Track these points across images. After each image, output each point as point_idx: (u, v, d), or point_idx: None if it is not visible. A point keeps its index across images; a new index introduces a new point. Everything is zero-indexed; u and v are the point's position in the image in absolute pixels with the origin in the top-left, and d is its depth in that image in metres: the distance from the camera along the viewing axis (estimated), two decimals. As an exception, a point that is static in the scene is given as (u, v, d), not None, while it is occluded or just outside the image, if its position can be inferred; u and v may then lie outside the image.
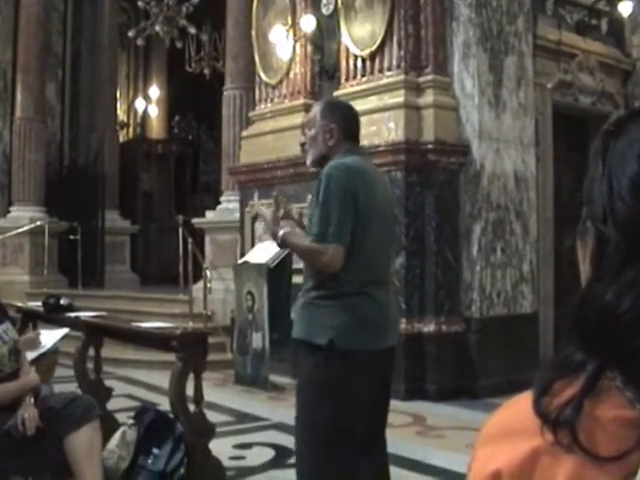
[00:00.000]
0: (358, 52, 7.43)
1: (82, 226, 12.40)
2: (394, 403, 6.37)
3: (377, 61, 7.33)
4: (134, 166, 15.04)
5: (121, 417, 4.59)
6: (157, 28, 11.24)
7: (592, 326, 0.71)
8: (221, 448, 4.51)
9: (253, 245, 8.26)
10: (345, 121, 3.23)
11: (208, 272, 9.24)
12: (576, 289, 0.76)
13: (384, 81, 7.24)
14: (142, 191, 15.39)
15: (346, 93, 7.52)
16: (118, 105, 15.52)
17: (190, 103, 15.61)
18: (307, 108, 7.93)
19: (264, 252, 7.29)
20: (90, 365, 4.73)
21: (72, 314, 4.91)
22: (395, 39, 7.19)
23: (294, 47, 8.17)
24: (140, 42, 12.06)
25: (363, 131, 7.29)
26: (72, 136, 13.79)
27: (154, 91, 16.36)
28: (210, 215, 10.28)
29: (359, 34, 7.42)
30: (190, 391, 3.95)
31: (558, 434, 0.69)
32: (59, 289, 10.56)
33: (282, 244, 3.22)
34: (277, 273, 7.13)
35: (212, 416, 4.43)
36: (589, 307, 0.71)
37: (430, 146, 6.94)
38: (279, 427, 5.66)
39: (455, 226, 7.07)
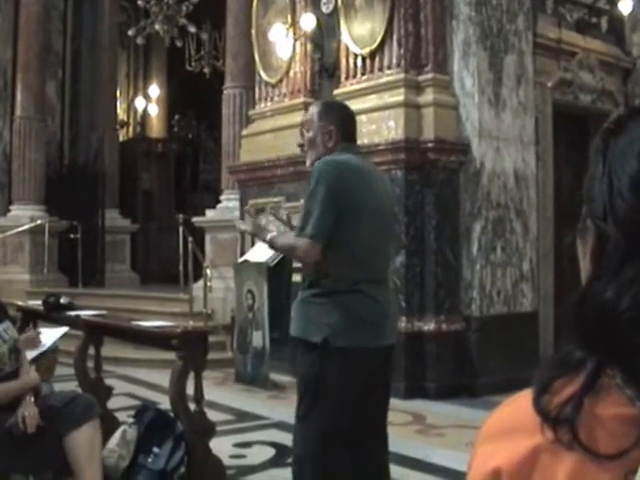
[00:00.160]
0: (358, 51, 7.42)
1: (82, 225, 12.40)
2: (394, 402, 6.35)
3: (377, 60, 7.33)
4: (134, 165, 15.03)
5: (121, 416, 4.60)
6: (157, 27, 11.23)
7: (592, 324, 0.71)
8: (221, 447, 4.51)
9: (253, 244, 8.26)
10: (343, 122, 3.25)
11: (208, 271, 9.25)
12: (576, 287, 0.76)
13: (384, 80, 7.23)
14: (142, 190, 15.37)
15: (346, 92, 7.52)
16: (118, 104, 15.51)
17: (190, 102, 15.60)
18: (307, 107, 7.90)
19: (264, 251, 7.29)
20: (90, 364, 4.73)
21: (72, 313, 4.91)
22: (395, 37, 7.19)
23: (294, 46, 8.17)
24: (140, 41, 12.04)
25: (363, 130, 7.35)
26: (72, 135, 13.78)
27: (154, 90, 16.35)
28: (210, 214, 10.28)
29: (359, 33, 7.42)
30: (190, 390, 3.95)
31: (558, 432, 0.69)
32: (59, 288, 10.57)
33: (271, 247, 3.33)
34: (277, 272, 7.13)
35: (212, 415, 4.43)
36: (589, 305, 0.71)
37: (430, 144, 6.94)
38: (279, 426, 5.66)
39: (455, 225, 7.07)
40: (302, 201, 3.17)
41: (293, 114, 8.06)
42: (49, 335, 4.29)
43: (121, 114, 15.96)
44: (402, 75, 7.10)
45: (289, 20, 8.18)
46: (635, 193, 0.71)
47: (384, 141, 6.97)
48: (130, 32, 12.10)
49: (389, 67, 7.24)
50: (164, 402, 4.52)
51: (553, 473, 0.69)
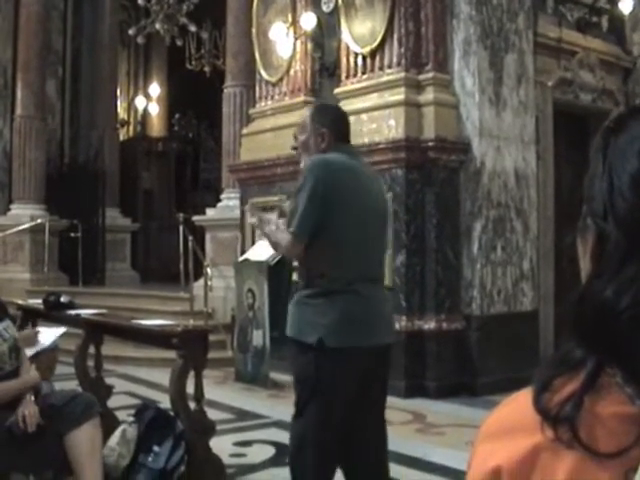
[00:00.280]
0: (358, 49, 7.42)
1: (83, 224, 12.41)
2: (394, 400, 6.34)
3: (377, 58, 7.33)
4: (134, 164, 15.03)
5: (121, 415, 4.60)
6: (157, 26, 11.22)
7: (591, 323, 0.71)
8: (221, 446, 4.52)
9: (253, 243, 8.26)
10: (335, 124, 3.28)
11: (209, 270, 9.25)
12: (576, 286, 0.76)
13: (384, 78, 7.23)
14: (142, 189, 15.38)
15: (346, 90, 7.52)
16: (118, 103, 15.51)
17: (190, 101, 15.60)
18: (307, 106, 7.93)
19: (265, 249, 7.29)
20: (91, 363, 4.73)
21: (72, 312, 4.91)
22: (395, 36, 7.18)
23: (294, 45, 8.17)
24: (140, 40, 12.03)
25: (364, 128, 7.35)
26: (72, 134, 13.79)
27: (154, 89, 16.35)
28: (210, 213, 10.28)
29: (359, 31, 7.42)
30: (190, 389, 3.95)
31: (558, 430, 0.69)
32: (60, 287, 10.58)
33: (269, 241, 3.37)
34: (278, 270, 7.13)
35: (212, 414, 4.43)
36: (589, 304, 0.71)
37: (430, 144, 6.94)
38: (279, 425, 5.66)
39: (455, 224, 7.07)
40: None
41: (293, 113, 8.05)
42: (47, 334, 4.29)
43: (121, 113, 15.96)
44: (402, 74, 7.10)
45: (289, 19, 8.18)
46: (635, 192, 0.71)
47: (384, 140, 6.97)
48: (130, 31, 12.10)
49: (389, 66, 7.24)
50: (164, 401, 4.52)
51: (553, 472, 0.69)
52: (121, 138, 15.21)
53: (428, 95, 7.08)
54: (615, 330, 0.69)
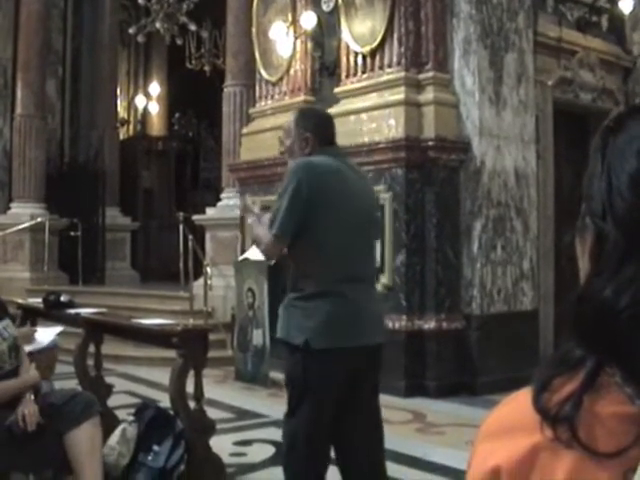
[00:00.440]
0: (358, 49, 7.42)
1: (82, 223, 12.40)
2: (394, 400, 6.36)
3: (377, 58, 7.33)
4: (134, 163, 15.03)
5: (121, 414, 4.60)
6: (157, 25, 11.23)
7: (591, 322, 0.71)
8: (221, 445, 4.52)
9: (254, 242, 8.25)
10: (318, 128, 3.33)
11: (208, 269, 9.25)
12: (576, 286, 0.76)
13: (384, 78, 7.23)
14: (142, 188, 15.37)
15: (346, 90, 7.53)
16: (118, 102, 15.50)
17: (190, 100, 15.60)
18: (307, 105, 7.93)
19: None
20: (90, 362, 4.73)
21: (72, 311, 4.91)
22: (395, 36, 7.19)
23: (294, 44, 8.17)
24: (140, 39, 12.03)
25: (364, 128, 7.35)
26: (72, 133, 13.78)
27: (154, 88, 16.35)
28: (210, 212, 10.28)
29: (359, 31, 7.42)
30: (190, 388, 3.96)
31: (557, 430, 0.69)
32: (59, 286, 10.58)
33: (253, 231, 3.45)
34: (277, 270, 7.13)
35: (212, 413, 4.43)
36: (588, 303, 0.71)
37: (430, 143, 6.94)
38: (279, 424, 5.58)
39: (456, 223, 7.07)
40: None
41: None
42: (44, 334, 4.29)
43: (121, 112, 15.95)
44: (402, 73, 7.10)
45: (289, 18, 8.18)
46: (634, 192, 0.71)
47: (384, 139, 6.98)
48: (131, 30, 12.10)
49: (389, 65, 7.24)
50: (164, 400, 4.52)
51: (552, 471, 0.69)
52: (121, 137, 15.20)
53: (428, 94, 7.08)
54: (614, 330, 0.69)
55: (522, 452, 0.70)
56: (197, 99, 14.97)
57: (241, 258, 7.99)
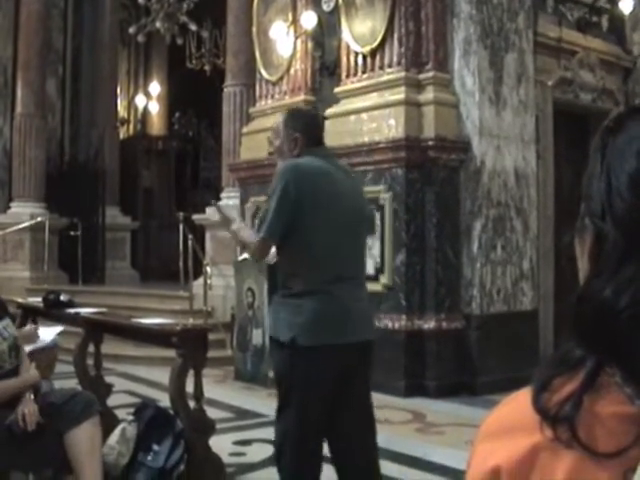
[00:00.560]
0: (359, 49, 7.42)
1: (82, 222, 12.40)
2: (394, 400, 6.36)
3: (378, 58, 7.33)
4: (134, 162, 15.04)
5: (121, 413, 4.60)
6: (158, 25, 11.23)
7: (591, 322, 0.71)
8: (221, 445, 4.52)
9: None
10: (307, 128, 3.35)
11: (208, 268, 9.25)
12: (576, 286, 0.76)
13: (385, 78, 7.23)
14: (142, 187, 15.38)
15: (347, 90, 7.53)
16: (118, 101, 15.50)
17: (190, 99, 15.60)
18: (308, 105, 7.93)
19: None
20: (90, 361, 4.73)
21: (72, 310, 4.91)
22: (396, 36, 7.19)
23: (295, 44, 8.17)
24: (141, 39, 12.03)
25: (364, 128, 7.35)
26: (72, 132, 13.78)
27: (154, 87, 16.35)
28: (210, 211, 10.26)
29: (360, 31, 7.42)
30: (190, 387, 3.95)
31: (557, 430, 0.69)
32: (59, 285, 10.59)
33: (235, 238, 3.55)
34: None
35: (212, 412, 4.43)
36: (587, 304, 0.71)
37: (430, 143, 6.94)
38: (279, 424, 5.65)
39: (455, 223, 7.07)
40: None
41: (293, 112, 8.06)
42: (44, 333, 4.29)
43: (121, 111, 15.95)
44: (403, 73, 7.10)
45: (290, 18, 8.18)
46: (633, 192, 0.71)
47: (385, 139, 6.98)
48: (131, 30, 12.10)
49: (390, 65, 7.24)
50: (164, 400, 4.52)
51: (552, 471, 0.69)
52: (121, 137, 15.21)
53: (428, 94, 7.08)
54: (614, 330, 0.69)
55: (522, 452, 0.70)
56: (197, 99, 14.97)
57: (241, 258, 7.98)
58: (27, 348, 3.79)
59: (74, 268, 12.22)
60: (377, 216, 6.96)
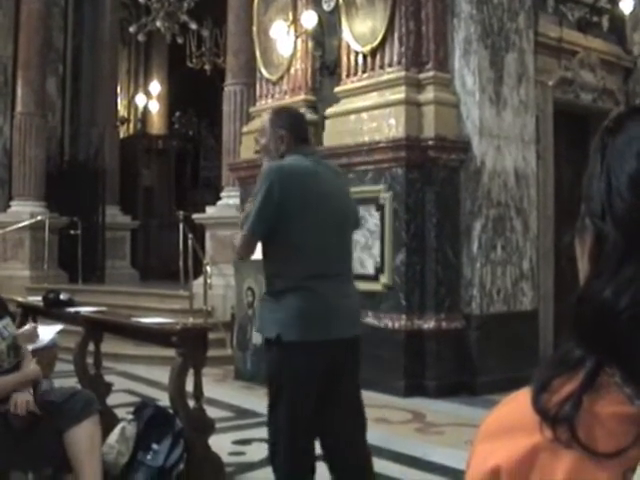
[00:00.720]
0: (359, 48, 7.42)
1: (82, 221, 12.40)
2: (394, 400, 6.36)
3: (378, 57, 7.33)
4: (134, 161, 15.04)
5: (121, 412, 4.60)
6: (158, 24, 11.23)
7: (591, 323, 0.71)
8: (221, 444, 4.52)
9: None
10: (293, 126, 3.39)
11: (208, 268, 9.25)
12: (576, 286, 0.76)
13: (385, 77, 7.23)
14: (142, 187, 15.38)
15: (347, 89, 7.52)
16: (119, 100, 15.50)
17: (191, 99, 15.60)
18: (308, 104, 7.94)
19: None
20: (90, 360, 4.73)
21: (72, 309, 4.91)
22: (396, 35, 7.18)
23: (295, 43, 8.17)
24: (141, 38, 12.04)
25: (364, 127, 7.35)
26: (73, 131, 13.78)
27: (155, 87, 16.35)
28: (210, 211, 10.28)
29: (360, 30, 7.42)
30: (190, 387, 3.95)
31: (557, 430, 0.69)
32: (59, 284, 10.59)
33: None
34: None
35: (212, 412, 4.43)
36: (587, 304, 0.71)
37: (431, 142, 6.94)
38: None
39: (455, 223, 7.07)
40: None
41: (294, 111, 8.05)
42: (44, 332, 4.29)
43: (122, 111, 15.96)
44: (403, 73, 7.10)
45: (290, 17, 8.18)
46: (633, 192, 0.71)
47: (385, 139, 6.98)
48: (131, 29, 12.11)
49: (390, 65, 7.23)
50: (163, 399, 4.52)
51: (552, 472, 0.69)
52: (121, 136, 15.21)
53: (428, 94, 7.08)
54: (614, 330, 0.69)
55: (522, 452, 0.70)
56: (197, 98, 14.98)
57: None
58: (27, 347, 3.79)
59: (74, 267, 12.22)
60: (377, 216, 6.97)
